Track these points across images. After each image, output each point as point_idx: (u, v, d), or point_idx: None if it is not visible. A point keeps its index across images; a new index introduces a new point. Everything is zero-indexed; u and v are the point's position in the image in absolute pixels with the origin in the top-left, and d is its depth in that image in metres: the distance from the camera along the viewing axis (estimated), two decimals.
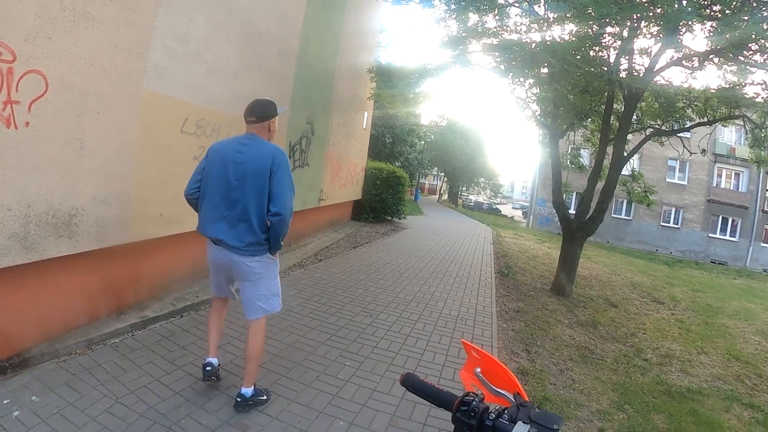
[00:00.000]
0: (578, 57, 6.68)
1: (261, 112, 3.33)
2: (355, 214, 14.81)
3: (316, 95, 8.93)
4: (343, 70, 10.37)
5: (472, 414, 0.99)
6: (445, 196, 53.31)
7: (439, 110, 41.95)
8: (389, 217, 16.14)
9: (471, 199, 55.28)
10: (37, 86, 3.25)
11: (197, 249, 5.53)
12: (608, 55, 7.56)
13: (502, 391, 1.14)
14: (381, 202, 15.24)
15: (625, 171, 9.96)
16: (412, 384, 1.15)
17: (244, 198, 3.04)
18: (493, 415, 0.99)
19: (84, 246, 3.85)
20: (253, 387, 3.20)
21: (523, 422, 0.94)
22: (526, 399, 1.07)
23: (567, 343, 5.82)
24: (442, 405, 1.08)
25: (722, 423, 4.26)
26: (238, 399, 3.15)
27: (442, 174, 51.72)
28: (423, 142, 38.06)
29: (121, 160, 4.12)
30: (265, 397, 3.30)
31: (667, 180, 28.91)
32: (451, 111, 43.03)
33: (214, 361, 3.37)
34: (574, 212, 9.35)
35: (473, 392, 1.06)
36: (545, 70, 7.67)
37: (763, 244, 28.70)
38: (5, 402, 3.01)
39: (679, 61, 7.21)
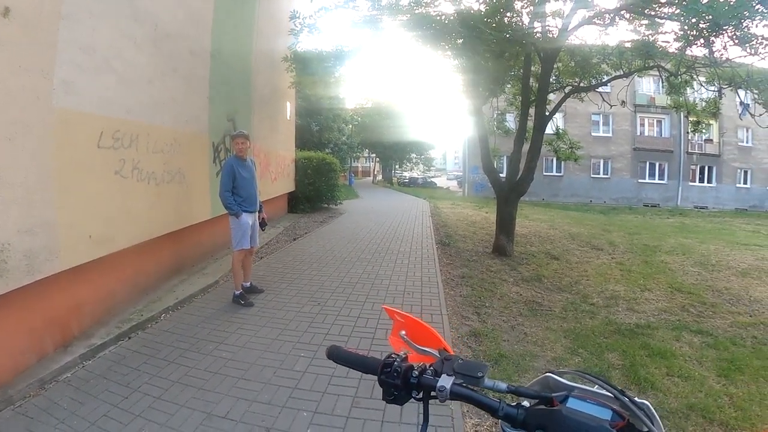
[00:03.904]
0: (493, 25, 6.86)
1: None
2: (291, 207, 14.74)
3: (235, 91, 8.79)
4: (260, 62, 10.24)
5: (395, 374, 1.01)
6: (380, 177, 53.58)
7: (363, 92, 41.78)
8: (325, 205, 16.25)
9: (405, 176, 55.32)
10: None
11: (133, 266, 5.46)
12: (521, 21, 7.77)
13: (427, 349, 1.16)
14: (315, 191, 15.24)
15: (550, 130, 10.41)
16: (337, 355, 1.16)
17: None
18: (417, 372, 1.02)
19: (15, 282, 3.67)
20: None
21: (448, 374, 0.97)
22: (451, 353, 1.09)
23: (515, 300, 6.09)
24: (368, 371, 1.09)
25: (674, 351, 4.58)
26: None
27: (374, 155, 51.82)
28: (351, 126, 37.95)
29: (40, 186, 3.94)
30: (243, 302, 5.55)
31: (593, 134, 30.41)
32: (376, 92, 42.76)
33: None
34: (504, 175, 9.69)
35: (396, 354, 1.08)
36: (460, 41, 7.82)
37: (690, 183, 31.08)
38: None
39: (591, 19, 7.53)
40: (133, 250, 5.42)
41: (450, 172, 75.93)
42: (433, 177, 59.49)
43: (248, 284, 5.99)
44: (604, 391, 0.89)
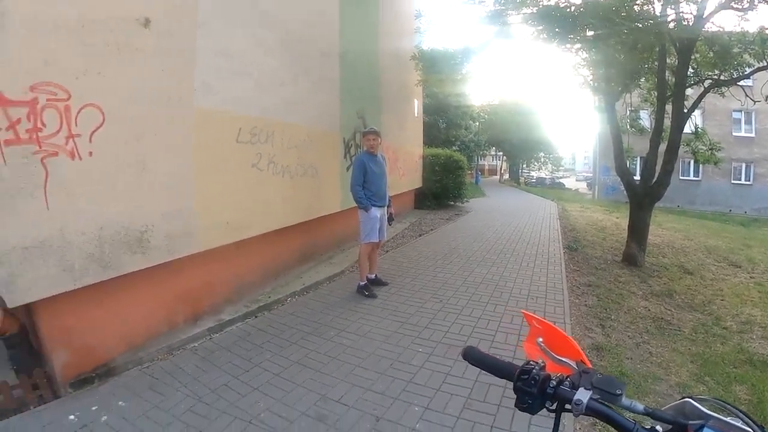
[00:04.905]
0: (623, 14, 6.24)
1: None
2: (417, 203, 14.65)
3: (364, 90, 8.91)
4: (387, 61, 10.28)
5: (532, 382, 0.98)
6: (506, 176, 51.57)
7: (489, 89, 40.45)
8: (452, 202, 15.87)
9: (533, 176, 52.71)
10: (95, 118, 3.44)
11: (266, 252, 5.75)
12: (653, 9, 7.03)
13: (564, 359, 1.12)
14: (442, 188, 14.94)
15: (688, 129, 9.19)
16: (473, 357, 1.14)
17: None
18: (554, 383, 0.98)
19: (157, 259, 4.05)
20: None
21: (585, 388, 0.93)
22: (589, 366, 1.05)
23: (642, 315, 5.49)
24: (503, 376, 1.07)
25: None
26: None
27: (501, 153, 50.05)
28: (477, 124, 36.88)
29: (183, 175, 4.31)
30: (367, 293, 5.60)
31: (734, 134, 25.84)
32: (502, 88, 41.15)
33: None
34: (638, 178, 8.75)
35: (534, 361, 1.04)
36: (590, 33, 7.20)
37: None
38: (93, 408, 3.22)
39: (728, 3, 6.58)
40: (266, 237, 5.70)
41: (579, 173, 71.08)
42: (561, 177, 55.96)
43: (373, 276, 6.00)
44: (743, 425, 0.82)
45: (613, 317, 5.31)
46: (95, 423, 3.04)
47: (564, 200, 23.25)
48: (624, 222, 10.34)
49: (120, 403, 3.29)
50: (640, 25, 6.34)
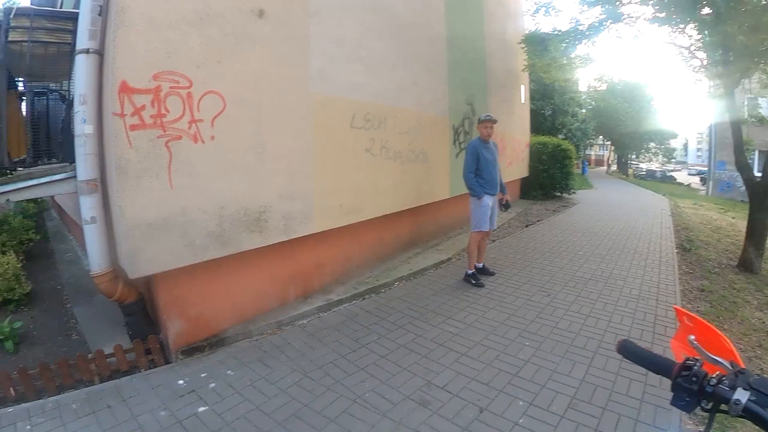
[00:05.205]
0: None
1: None
2: (523, 192, 13.92)
3: (471, 76, 8.57)
4: (493, 45, 9.81)
5: (693, 379, 0.95)
6: (614, 167, 47.19)
7: (596, 73, 36.95)
8: (558, 193, 14.79)
9: (642, 168, 46.90)
10: (216, 104, 3.57)
11: (373, 236, 5.73)
12: None
13: (719, 359, 1.02)
14: (549, 178, 13.97)
15: None
16: (628, 350, 1.12)
17: None
18: (714, 381, 0.94)
19: (273, 239, 4.15)
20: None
21: (743, 388, 0.89)
22: (743, 366, 0.98)
23: (756, 328, 4.78)
24: (660, 371, 1.05)
25: None
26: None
27: (608, 143, 45.80)
28: (584, 110, 33.75)
29: (300, 159, 4.37)
30: (474, 282, 5.32)
31: None
32: (610, 72, 37.26)
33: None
34: (759, 174, 7.48)
35: (693, 358, 1.01)
36: (708, 11, 6.38)
37: None
38: (202, 375, 3.34)
39: None
40: (376, 222, 5.67)
41: (691, 167, 63.04)
42: (672, 170, 49.95)
43: (481, 265, 5.72)
44: None
45: (725, 327, 4.68)
46: (203, 389, 3.15)
47: (676, 196, 20.88)
48: (740, 223, 9.09)
49: (228, 372, 3.39)
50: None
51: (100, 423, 2.83)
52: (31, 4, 7.82)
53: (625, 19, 7.81)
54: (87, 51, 3.21)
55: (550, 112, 22.10)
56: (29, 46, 4.42)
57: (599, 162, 56.02)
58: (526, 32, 9.79)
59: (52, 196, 8.31)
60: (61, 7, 6.47)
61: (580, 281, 5.60)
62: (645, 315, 4.55)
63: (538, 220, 10.23)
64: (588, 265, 6.36)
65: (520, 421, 2.73)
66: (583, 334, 4.04)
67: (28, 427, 2.85)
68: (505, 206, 5.71)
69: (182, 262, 3.45)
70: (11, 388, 3.16)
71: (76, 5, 5.27)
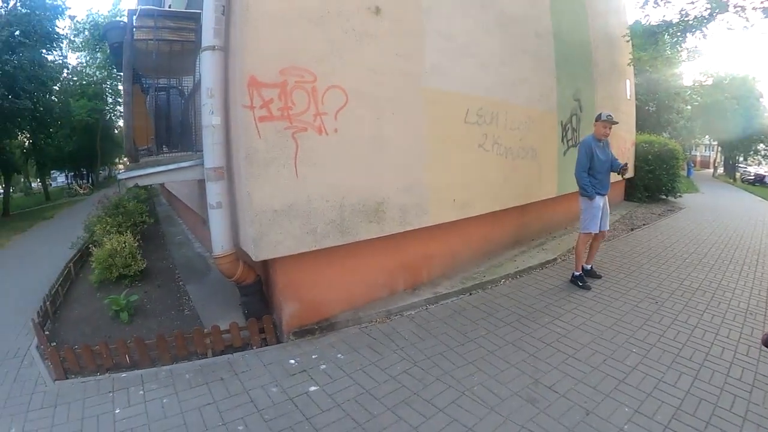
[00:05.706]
0: None
1: None
2: (628, 194, 13.06)
3: (578, 70, 8.16)
4: (597, 39, 9.25)
5: None
6: (720, 169, 42.39)
7: (701, 67, 32.85)
8: (663, 196, 13.75)
9: (749, 172, 40.61)
10: (339, 98, 3.68)
11: (481, 232, 5.67)
12: None
13: None
14: (654, 180, 12.96)
15: None
16: None
17: None
18: None
19: (389, 230, 4.22)
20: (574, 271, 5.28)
21: None
22: None
23: None
24: None
25: None
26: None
27: (715, 143, 41.07)
28: (689, 107, 30.26)
29: (415, 152, 4.42)
30: (581, 284, 5.11)
31: None
32: (716, 65, 32.67)
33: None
34: None
35: None
36: None
37: None
38: (313, 357, 3.49)
39: None
40: (484, 218, 5.59)
41: None
42: None
43: (589, 267, 5.44)
44: None
45: None
46: (314, 370, 3.27)
47: None
48: None
49: (339, 355, 3.50)
50: None
51: (213, 394, 3.02)
52: (138, 5, 8.51)
53: (731, 8, 7.23)
54: (213, 48, 3.44)
55: (653, 108, 20.50)
56: (155, 44, 4.87)
57: (704, 164, 50.82)
58: (631, 24, 9.24)
59: (162, 183, 9.04)
60: (169, 8, 7.03)
61: (688, 290, 5.20)
62: (752, 330, 4.11)
63: (644, 224, 9.59)
64: (696, 274, 5.88)
65: (625, 427, 2.67)
66: (690, 345, 3.78)
67: (141, 392, 3.08)
68: (621, 171, 5.28)
69: (304, 247, 3.59)
70: (126, 356, 3.42)
71: (189, 5, 5.77)
